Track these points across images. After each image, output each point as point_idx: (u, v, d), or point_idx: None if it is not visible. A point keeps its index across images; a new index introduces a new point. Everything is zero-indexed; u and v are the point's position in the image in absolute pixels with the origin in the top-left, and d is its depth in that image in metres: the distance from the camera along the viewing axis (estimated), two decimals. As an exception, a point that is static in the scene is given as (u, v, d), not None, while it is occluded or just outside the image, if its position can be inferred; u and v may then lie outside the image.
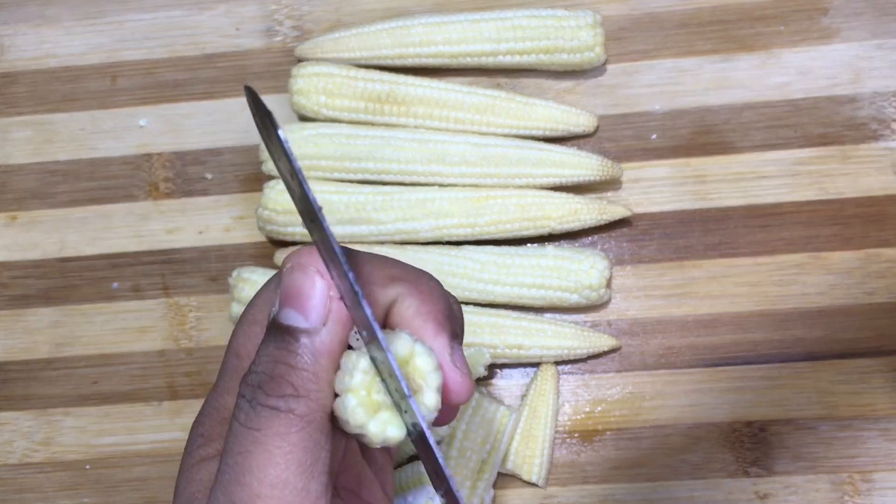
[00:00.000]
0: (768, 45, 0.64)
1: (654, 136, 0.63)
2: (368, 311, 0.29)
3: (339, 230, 0.61)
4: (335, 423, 0.31)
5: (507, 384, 0.62)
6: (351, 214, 0.61)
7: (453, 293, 0.60)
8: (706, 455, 0.60)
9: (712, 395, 0.60)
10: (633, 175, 0.63)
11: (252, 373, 0.30)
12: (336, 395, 0.30)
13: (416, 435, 0.31)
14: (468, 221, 0.61)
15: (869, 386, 0.60)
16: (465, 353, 0.40)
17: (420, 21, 0.63)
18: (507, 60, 0.63)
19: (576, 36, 0.61)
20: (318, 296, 0.30)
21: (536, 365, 0.61)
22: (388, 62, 0.63)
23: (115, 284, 0.65)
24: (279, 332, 0.30)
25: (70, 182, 0.67)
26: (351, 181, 0.63)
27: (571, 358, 0.61)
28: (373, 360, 0.30)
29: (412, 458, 0.59)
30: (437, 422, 0.33)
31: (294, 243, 0.63)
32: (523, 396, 0.61)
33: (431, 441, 0.30)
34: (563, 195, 0.61)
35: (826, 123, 0.62)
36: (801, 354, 0.60)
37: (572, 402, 0.61)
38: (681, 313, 0.61)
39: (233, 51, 0.67)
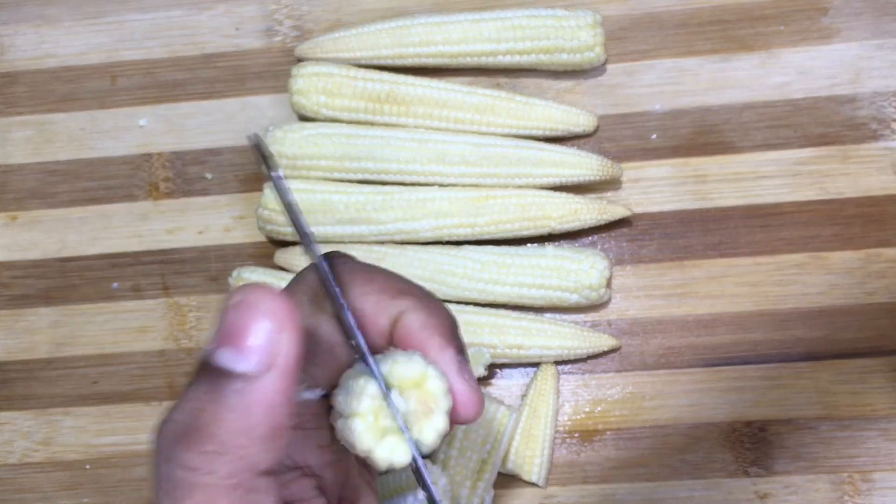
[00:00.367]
0: (768, 44, 0.64)
1: (654, 136, 0.63)
2: (363, 341, 0.28)
3: (339, 230, 0.61)
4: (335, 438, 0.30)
5: (507, 384, 0.62)
6: (351, 214, 0.61)
7: (453, 293, 0.60)
8: (706, 455, 0.60)
9: (712, 395, 0.60)
10: (633, 175, 0.63)
11: (171, 421, 0.26)
12: (339, 417, 0.30)
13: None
14: (468, 221, 0.61)
15: (869, 386, 0.60)
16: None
17: (420, 21, 0.63)
18: (507, 60, 0.63)
19: (576, 36, 0.61)
20: (262, 336, 0.26)
21: (536, 365, 0.61)
22: (388, 62, 0.63)
23: (115, 284, 0.65)
24: (210, 376, 0.26)
25: (70, 182, 0.67)
26: (351, 181, 0.63)
27: (571, 358, 0.61)
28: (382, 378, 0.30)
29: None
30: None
31: (294, 243, 0.63)
32: (523, 396, 0.61)
33: (426, 475, 0.30)
34: (563, 195, 0.61)
35: (826, 123, 0.62)
36: (800, 354, 0.60)
37: (572, 401, 0.61)
38: (681, 313, 0.61)
39: (232, 51, 0.67)
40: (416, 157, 0.61)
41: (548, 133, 0.62)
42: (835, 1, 0.64)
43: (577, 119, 0.62)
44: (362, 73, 0.62)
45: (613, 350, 0.61)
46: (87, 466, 0.63)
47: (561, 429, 0.61)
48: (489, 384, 0.62)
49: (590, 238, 0.63)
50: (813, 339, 0.60)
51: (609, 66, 0.64)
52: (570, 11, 0.62)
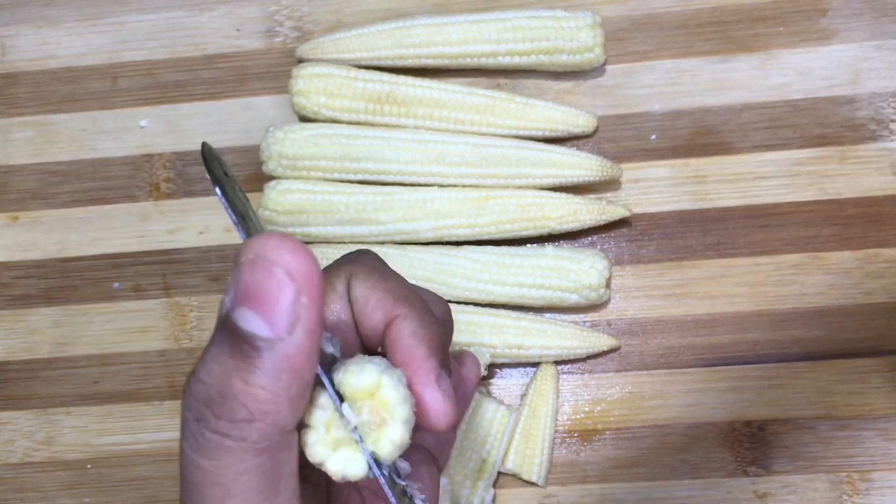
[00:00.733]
0: (767, 45, 0.64)
1: (653, 137, 0.64)
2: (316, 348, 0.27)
3: (339, 230, 0.62)
4: None
5: (507, 384, 0.62)
6: (351, 214, 0.61)
7: (453, 293, 0.60)
8: (705, 454, 0.60)
9: (711, 395, 0.60)
10: (633, 175, 0.63)
11: (199, 381, 0.26)
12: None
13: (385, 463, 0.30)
14: (468, 222, 0.61)
15: (867, 386, 0.60)
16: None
17: (420, 22, 0.63)
18: (507, 61, 0.63)
19: (575, 37, 0.61)
20: (285, 298, 0.26)
21: (536, 365, 0.61)
22: (389, 63, 0.64)
23: (116, 284, 0.65)
24: (234, 338, 0.26)
25: (71, 182, 0.67)
26: (351, 181, 0.63)
27: (571, 358, 0.61)
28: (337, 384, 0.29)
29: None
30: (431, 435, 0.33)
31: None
32: (523, 396, 0.61)
33: (386, 489, 0.29)
34: (563, 195, 0.61)
35: (825, 124, 0.63)
36: (799, 354, 0.60)
37: (572, 401, 0.61)
38: (680, 313, 0.62)
39: (233, 52, 0.67)
40: (417, 157, 0.61)
41: (547, 134, 0.62)
42: (834, 2, 0.64)
43: (577, 120, 0.62)
44: (363, 73, 0.62)
45: (613, 350, 0.61)
46: (88, 466, 0.63)
47: (560, 428, 0.61)
48: (489, 384, 0.62)
49: (589, 238, 0.63)
50: (812, 339, 0.61)
51: (609, 67, 0.65)
52: (570, 12, 0.62)
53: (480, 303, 0.61)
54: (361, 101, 0.62)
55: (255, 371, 0.26)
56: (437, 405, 0.31)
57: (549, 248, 0.61)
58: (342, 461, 0.29)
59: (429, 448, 0.36)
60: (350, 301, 0.33)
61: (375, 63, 0.64)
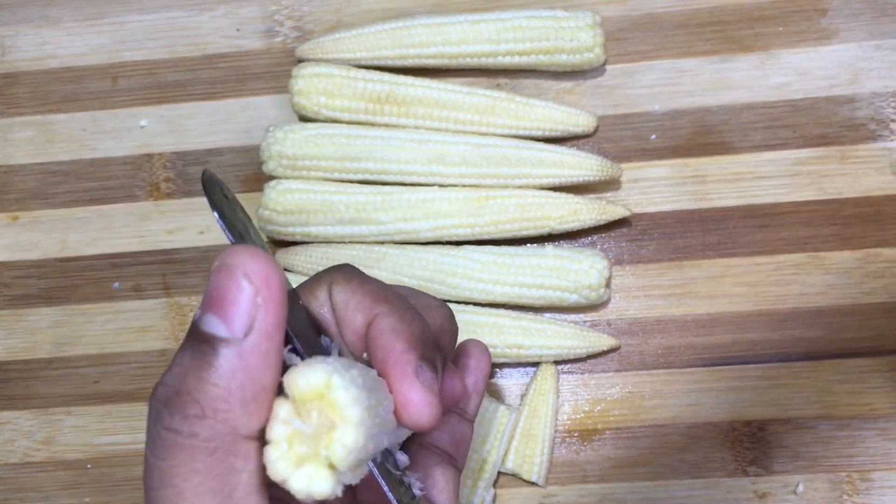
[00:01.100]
0: (767, 45, 0.64)
1: (653, 137, 0.64)
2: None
3: (339, 230, 0.62)
4: None
5: (507, 384, 0.62)
6: (351, 214, 0.61)
7: (453, 293, 0.60)
8: (705, 454, 0.60)
9: (711, 395, 0.60)
10: (633, 175, 0.63)
11: (162, 384, 0.27)
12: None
13: (379, 467, 0.30)
14: (468, 221, 0.61)
15: (867, 385, 0.60)
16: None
17: (420, 22, 0.63)
18: (507, 61, 0.63)
19: (575, 37, 0.61)
20: (243, 300, 0.27)
21: (536, 364, 0.61)
22: (389, 63, 0.64)
23: (116, 284, 0.65)
24: (197, 340, 0.27)
25: (71, 182, 0.67)
26: (351, 181, 0.63)
27: (571, 357, 0.61)
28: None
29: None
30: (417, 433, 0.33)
31: (294, 243, 0.63)
32: (523, 396, 0.61)
33: (378, 476, 0.29)
34: (563, 195, 0.61)
35: (825, 124, 0.63)
36: (799, 354, 0.60)
37: (572, 401, 0.61)
38: (680, 313, 0.62)
39: (233, 51, 0.67)
40: (417, 157, 0.61)
41: (547, 134, 0.62)
42: (834, 2, 0.64)
43: (577, 120, 0.62)
44: (363, 73, 0.62)
45: (613, 350, 0.61)
46: (89, 466, 0.64)
47: (560, 428, 0.61)
48: (489, 384, 0.62)
49: (589, 238, 0.63)
50: (811, 338, 0.61)
51: (609, 67, 0.65)
52: (570, 12, 0.62)
53: (480, 303, 0.61)
54: (361, 101, 0.62)
55: (209, 368, 0.26)
56: (417, 398, 0.30)
57: (549, 248, 0.61)
58: (306, 478, 0.27)
59: (444, 448, 0.35)
60: (332, 308, 0.33)
61: (375, 63, 0.64)
